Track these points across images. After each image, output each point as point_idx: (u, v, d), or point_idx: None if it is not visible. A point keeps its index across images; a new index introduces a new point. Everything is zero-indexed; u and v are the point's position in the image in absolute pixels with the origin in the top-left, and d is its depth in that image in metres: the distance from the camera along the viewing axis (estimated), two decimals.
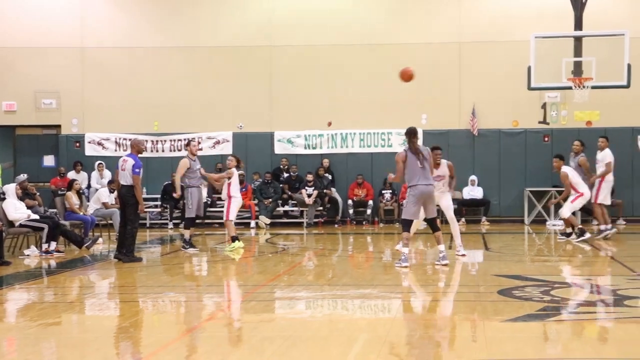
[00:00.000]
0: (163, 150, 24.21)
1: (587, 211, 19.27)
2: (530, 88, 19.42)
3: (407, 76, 14.04)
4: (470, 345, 7.78)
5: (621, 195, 22.57)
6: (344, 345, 7.74)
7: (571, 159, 18.42)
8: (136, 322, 9.20)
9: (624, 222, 22.17)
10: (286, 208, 23.61)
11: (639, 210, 22.77)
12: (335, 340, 7.98)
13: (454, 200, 16.01)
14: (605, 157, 18.01)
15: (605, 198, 17.99)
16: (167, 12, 24.65)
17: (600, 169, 18.06)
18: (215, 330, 8.75)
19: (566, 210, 17.30)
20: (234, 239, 16.50)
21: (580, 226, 17.62)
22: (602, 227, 17.80)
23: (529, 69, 18.97)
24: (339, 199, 23.42)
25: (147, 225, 22.95)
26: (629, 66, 18.48)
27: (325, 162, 23.74)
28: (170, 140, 24.23)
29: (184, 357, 7.59)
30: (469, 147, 23.57)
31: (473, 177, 23.31)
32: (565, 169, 17.40)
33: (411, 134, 13.29)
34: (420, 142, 14.19)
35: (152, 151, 23.97)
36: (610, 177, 18.02)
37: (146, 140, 23.34)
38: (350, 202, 23.40)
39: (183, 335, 8.56)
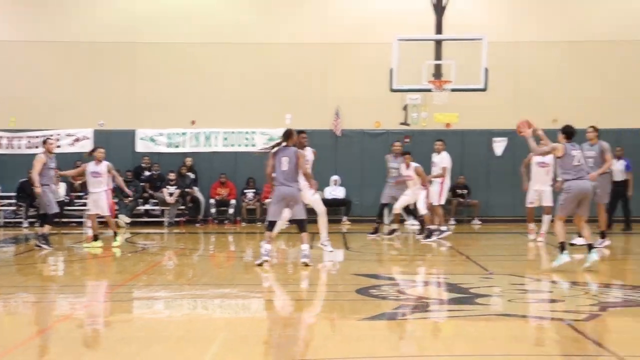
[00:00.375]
0: (19, 147, 23.49)
1: (411, 212, 19.70)
2: (392, 90, 19.75)
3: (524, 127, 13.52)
4: (327, 343, 7.83)
5: (477, 196, 23.30)
6: (202, 345, 7.65)
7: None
8: None
9: (480, 222, 22.86)
10: (147, 207, 23.28)
11: (493, 211, 23.48)
12: (193, 340, 7.89)
13: None
14: (442, 160, 18.22)
15: (442, 199, 18.41)
16: (26, 5, 23.95)
17: (437, 171, 18.36)
18: (68, 331, 8.50)
19: (422, 207, 17.65)
20: (115, 234, 16.61)
21: (430, 227, 17.78)
22: (435, 227, 18.03)
23: (391, 71, 19.29)
24: (201, 198, 23.25)
25: (1, 224, 22.21)
26: (486, 70, 19.04)
27: (188, 160, 23.52)
28: (28, 137, 23.51)
29: (35, 359, 7.35)
30: (332, 147, 23.80)
31: (335, 177, 23.57)
32: (415, 164, 17.76)
33: (283, 135, 13.34)
34: None
35: (7, 148, 23.26)
36: (447, 180, 18.39)
37: (0, 137, 22.63)
38: (212, 201, 23.27)
39: (34, 337, 8.30)
